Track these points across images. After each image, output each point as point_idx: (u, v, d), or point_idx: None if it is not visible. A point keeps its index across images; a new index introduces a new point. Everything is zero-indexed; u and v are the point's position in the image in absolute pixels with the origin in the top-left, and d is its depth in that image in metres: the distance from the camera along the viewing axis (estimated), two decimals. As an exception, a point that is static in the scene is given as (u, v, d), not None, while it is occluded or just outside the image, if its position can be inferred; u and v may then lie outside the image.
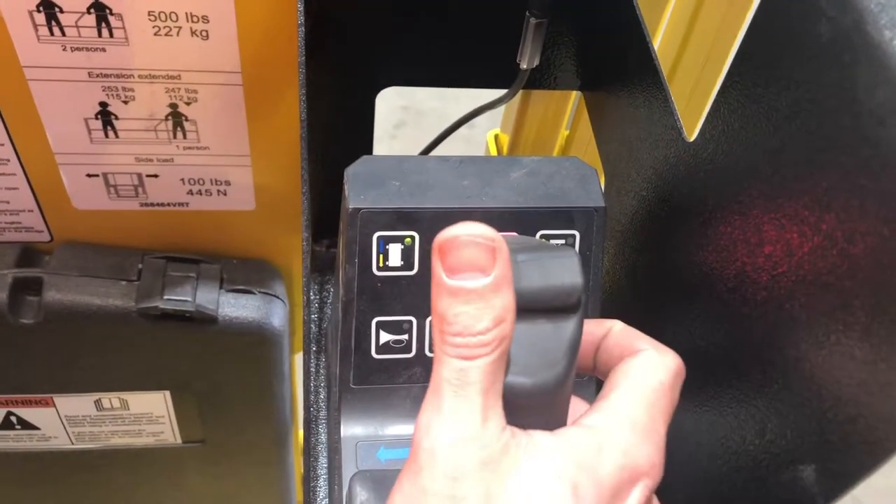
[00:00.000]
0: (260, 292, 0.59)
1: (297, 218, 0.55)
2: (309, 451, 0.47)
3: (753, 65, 0.31)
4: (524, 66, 0.46)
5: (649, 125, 0.41)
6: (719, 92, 0.34)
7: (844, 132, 0.26)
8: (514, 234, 0.41)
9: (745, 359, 0.32)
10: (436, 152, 0.58)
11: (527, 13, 0.44)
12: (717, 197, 0.34)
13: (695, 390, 0.34)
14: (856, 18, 0.25)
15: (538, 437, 0.28)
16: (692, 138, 0.36)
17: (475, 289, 0.26)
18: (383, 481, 0.41)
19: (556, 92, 0.56)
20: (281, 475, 0.73)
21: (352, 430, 0.42)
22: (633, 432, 0.28)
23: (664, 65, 0.56)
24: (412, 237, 0.41)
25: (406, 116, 2.06)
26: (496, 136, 0.68)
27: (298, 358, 0.59)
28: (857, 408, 0.25)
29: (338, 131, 0.52)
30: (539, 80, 0.50)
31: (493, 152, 0.69)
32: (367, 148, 0.53)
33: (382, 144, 1.97)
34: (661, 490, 0.36)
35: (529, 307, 0.28)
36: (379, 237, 0.40)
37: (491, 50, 0.48)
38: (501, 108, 0.67)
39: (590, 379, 0.43)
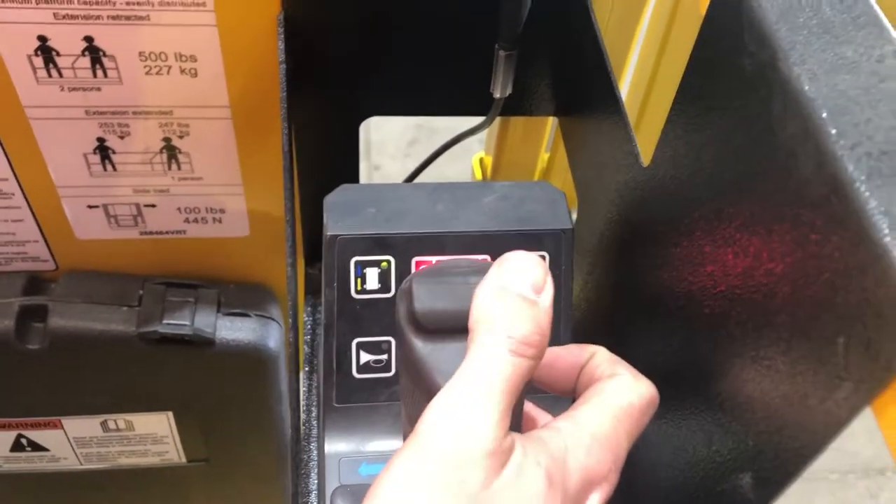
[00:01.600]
0: (256, 315, 0.61)
1: (289, 243, 0.58)
2: (298, 468, 0.49)
3: (694, 95, 0.33)
4: (497, 94, 0.48)
5: (612, 150, 0.43)
6: (668, 119, 0.36)
7: (764, 161, 0.28)
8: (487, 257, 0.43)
9: (694, 374, 0.34)
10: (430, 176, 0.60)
11: (496, 46, 0.46)
12: (668, 219, 0.36)
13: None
14: (771, 55, 0.27)
15: (515, 434, 0.29)
16: (647, 164, 0.38)
17: (527, 297, 0.29)
18: (364, 495, 0.43)
19: (534, 117, 0.58)
20: (283, 492, 0.75)
21: (335, 447, 0.44)
22: (594, 439, 0.30)
23: (637, 94, 0.58)
24: (388, 261, 0.43)
25: (419, 134, 2.09)
26: (481, 160, 0.71)
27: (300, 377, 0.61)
28: (782, 418, 0.27)
29: (325, 159, 0.54)
30: (515, 107, 0.52)
31: (479, 175, 0.71)
32: (354, 174, 0.56)
33: (396, 162, 2.00)
34: (627, 497, 0.37)
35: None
36: (356, 262, 0.43)
37: (466, 80, 0.50)
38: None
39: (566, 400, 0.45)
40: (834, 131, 0.24)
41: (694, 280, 0.33)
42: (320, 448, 0.46)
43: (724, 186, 0.31)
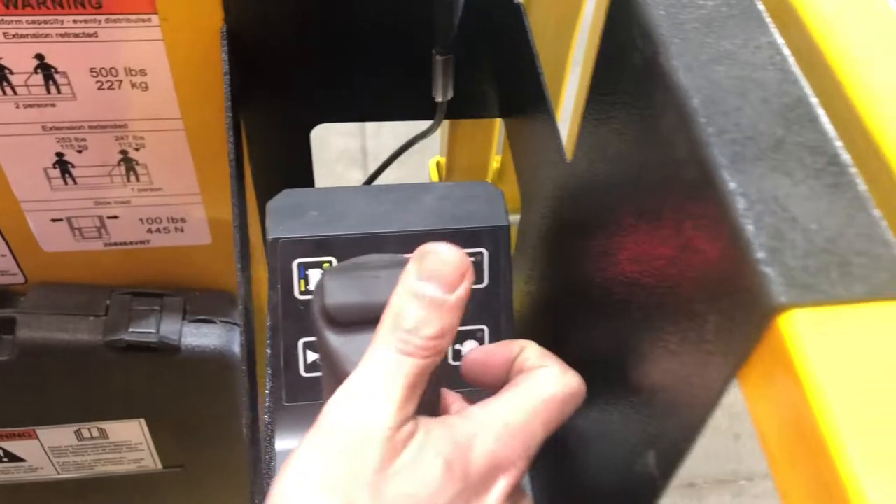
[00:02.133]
0: (221, 321, 0.63)
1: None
2: (257, 468, 0.50)
3: (601, 90, 0.35)
4: (439, 98, 0.50)
5: (544, 148, 0.44)
6: (583, 115, 0.37)
7: (651, 151, 0.29)
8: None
9: (613, 361, 0.35)
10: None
11: (433, 50, 0.47)
12: (586, 212, 0.37)
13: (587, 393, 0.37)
14: (654, 49, 0.28)
15: (423, 419, 0.30)
16: (570, 159, 0.40)
17: (436, 299, 0.30)
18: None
19: (481, 119, 0.60)
20: (260, 496, 0.77)
21: (285, 444, 0.45)
22: (506, 426, 0.31)
23: (584, 92, 0.59)
24: (330, 262, 0.44)
25: (414, 143, 2.11)
26: (437, 163, 0.72)
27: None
28: (673, 397, 0.28)
29: (278, 167, 0.55)
30: (461, 110, 0.53)
31: (435, 178, 0.72)
32: (308, 180, 0.57)
33: (391, 170, 2.02)
34: (567, 480, 0.39)
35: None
36: (299, 264, 0.44)
37: (410, 85, 0.51)
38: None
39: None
40: (704, 119, 0.25)
41: (609, 270, 0.35)
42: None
43: (624, 178, 0.32)
